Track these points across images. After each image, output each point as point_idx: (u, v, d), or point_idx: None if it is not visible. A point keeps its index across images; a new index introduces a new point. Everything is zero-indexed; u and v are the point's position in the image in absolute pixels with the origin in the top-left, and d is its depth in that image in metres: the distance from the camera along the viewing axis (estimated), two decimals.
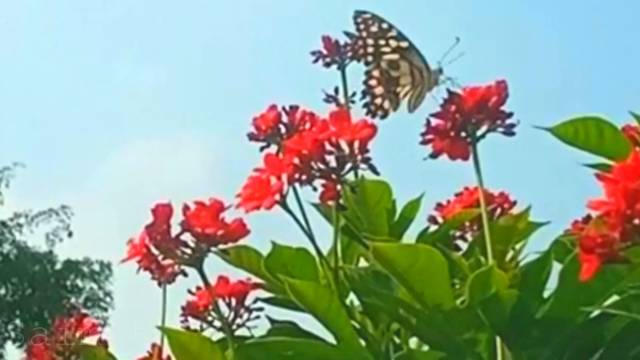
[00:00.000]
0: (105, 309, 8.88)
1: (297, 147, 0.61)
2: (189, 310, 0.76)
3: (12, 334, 8.54)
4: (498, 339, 0.61)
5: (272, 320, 0.75)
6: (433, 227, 0.82)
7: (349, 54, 0.89)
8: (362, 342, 0.67)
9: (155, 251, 0.64)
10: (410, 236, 0.80)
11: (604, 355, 0.62)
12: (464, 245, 0.82)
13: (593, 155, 0.71)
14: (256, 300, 0.74)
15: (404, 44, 0.72)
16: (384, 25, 0.73)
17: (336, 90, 0.90)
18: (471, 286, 0.59)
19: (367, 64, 0.74)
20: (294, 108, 0.77)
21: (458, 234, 0.82)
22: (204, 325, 0.75)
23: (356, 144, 0.62)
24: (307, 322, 0.69)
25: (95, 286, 8.89)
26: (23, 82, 11.47)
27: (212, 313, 0.74)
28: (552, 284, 0.61)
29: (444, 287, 0.60)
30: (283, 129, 0.77)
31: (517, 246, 0.75)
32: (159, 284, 0.82)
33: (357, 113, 0.72)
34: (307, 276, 0.71)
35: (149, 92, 11.37)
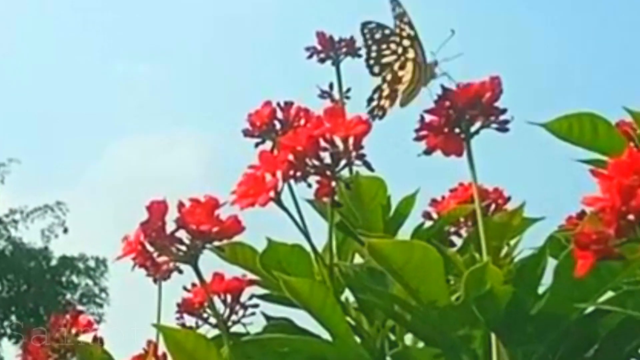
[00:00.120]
0: (101, 305, 8.88)
1: (291, 143, 0.61)
2: (185, 307, 0.76)
3: (8, 331, 8.53)
4: (493, 335, 0.61)
5: (267, 317, 0.75)
6: (428, 223, 0.81)
7: (344, 49, 0.89)
8: (357, 339, 0.67)
9: (150, 248, 0.64)
10: (405, 232, 0.80)
11: (599, 351, 0.62)
12: (458, 241, 0.82)
13: (587, 150, 0.71)
14: (251, 296, 0.74)
15: (412, 33, 0.72)
16: (400, 10, 0.72)
17: (331, 86, 0.90)
18: (466, 283, 0.59)
19: (371, 68, 0.74)
20: (288, 104, 0.77)
21: (453, 229, 0.82)
22: (200, 322, 0.75)
23: (351, 141, 0.61)
24: (302, 318, 0.69)
25: (90, 282, 8.89)
26: (18, 77, 11.46)
27: (208, 310, 0.74)
28: (547, 279, 0.61)
29: (439, 284, 0.60)
30: (278, 125, 0.77)
31: (512, 242, 0.75)
32: (154, 281, 0.83)
33: (352, 109, 0.72)
34: (302, 273, 0.71)
35: (145, 88, 11.37)
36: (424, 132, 0.61)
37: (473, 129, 0.61)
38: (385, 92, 0.71)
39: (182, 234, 0.63)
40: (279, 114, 0.77)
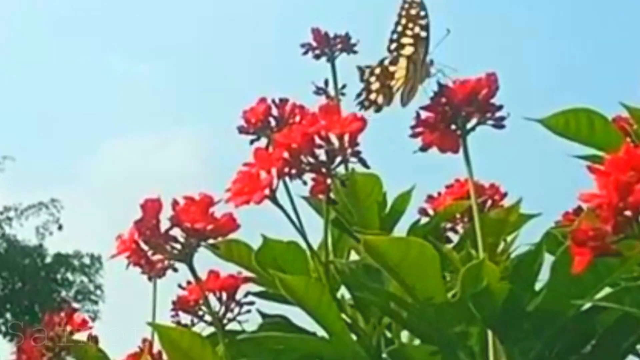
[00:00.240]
0: (96, 302, 8.87)
1: (286, 141, 0.61)
2: (180, 304, 0.76)
3: (3, 328, 8.52)
4: (490, 332, 0.61)
5: (263, 315, 0.74)
6: (424, 220, 0.81)
7: (339, 46, 0.89)
8: (354, 337, 0.67)
9: (144, 247, 0.63)
10: (401, 229, 0.80)
11: (596, 348, 0.62)
12: (455, 237, 0.81)
13: (584, 146, 0.71)
14: (247, 294, 0.74)
15: (424, 34, 0.70)
16: (421, 13, 0.71)
17: (326, 82, 0.89)
18: (462, 279, 0.59)
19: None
20: (283, 101, 0.77)
21: (449, 226, 0.82)
22: (195, 320, 0.75)
23: (346, 138, 0.61)
24: (299, 315, 0.69)
25: (85, 279, 8.88)
26: (15, 75, 11.44)
27: (203, 308, 0.74)
28: (543, 275, 0.61)
29: (435, 281, 0.60)
30: (273, 122, 0.77)
31: (509, 238, 0.75)
32: (149, 279, 0.82)
33: (348, 105, 0.72)
34: (298, 270, 0.71)
35: (143, 87, 11.36)
36: (420, 129, 0.61)
37: (469, 125, 0.60)
38: (375, 86, 0.71)
39: (176, 232, 0.63)
40: (274, 111, 0.77)
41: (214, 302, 0.71)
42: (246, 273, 0.76)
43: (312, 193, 0.63)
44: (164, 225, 0.63)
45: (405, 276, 0.60)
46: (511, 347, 0.60)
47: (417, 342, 0.67)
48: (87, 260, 8.90)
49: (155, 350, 0.78)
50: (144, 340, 0.81)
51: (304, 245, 0.68)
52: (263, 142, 0.77)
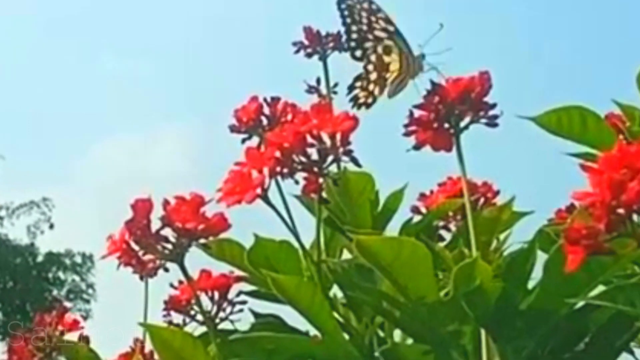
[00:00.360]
0: (88, 301, 8.86)
1: (278, 140, 0.61)
2: (172, 304, 0.75)
3: None
4: (482, 331, 0.60)
5: (255, 314, 0.74)
6: (417, 218, 0.81)
7: (331, 44, 0.88)
8: (346, 336, 0.67)
9: (135, 247, 0.63)
10: (393, 227, 0.80)
11: (589, 346, 0.62)
12: (447, 235, 0.81)
13: (576, 144, 0.71)
14: (239, 293, 0.73)
15: (391, 28, 0.71)
16: (373, 7, 0.71)
17: (318, 81, 0.89)
18: (455, 278, 0.59)
19: (353, 51, 0.72)
20: (275, 99, 0.77)
21: (441, 224, 0.82)
22: (187, 320, 0.75)
23: (338, 137, 0.61)
24: (291, 314, 0.68)
25: (77, 278, 8.86)
26: (4, 74, 11.39)
27: (195, 307, 0.73)
28: (536, 273, 0.61)
29: (427, 280, 0.60)
30: (265, 121, 0.77)
31: (502, 236, 0.75)
32: (141, 278, 0.82)
33: (340, 104, 0.72)
34: (290, 269, 0.71)
35: (132, 85, 11.33)
36: (413, 128, 0.60)
37: (462, 124, 0.60)
38: (373, 77, 0.70)
39: (167, 232, 0.62)
40: (266, 110, 0.77)
41: (206, 302, 0.71)
42: (238, 272, 0.75)
43: (304, 192, 0.62)
44: (155, 225, 0.63)
45: (398, 275, 0.60)
46: (504, 346, 0.60)
47: (409, 341, 0.67)
48: (78, 259, 8.89)
49: (147, 350, 0.78)
50: (136, 340, 0.81)
51: (296, 244, 0.68)
52: (255, 141, 0.77)
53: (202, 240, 0.63)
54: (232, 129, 0.77)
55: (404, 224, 0.79)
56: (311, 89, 0.88)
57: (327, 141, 0.61)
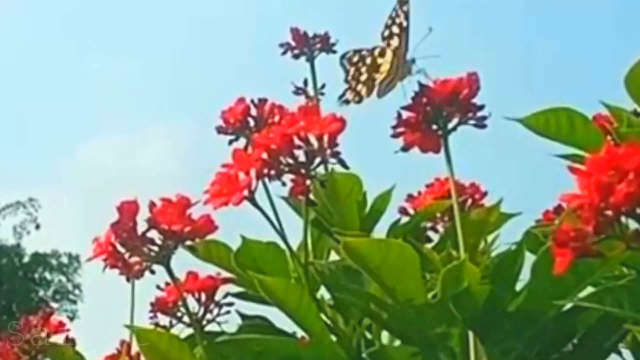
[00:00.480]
0: (74, 302, 8.84)
1: (265, 142, 0.60)
2: (158, 306, 0.75)
3: None
4: (470, 333, 0.60)
5: (242, 316, 0.74)
6: (404, 219, 0.81)
7: (318, 45, 0.88)
8: (334, 338, 0.67)
9: (121, 249, 0.63)
10: (381, 228, 0.80)
11: (577, 348, 0.62)
12: (435, 237, 0.81)
13: (564, 145, 0.71)
14: (226, 295, 0.73)
15: (405, 23, 0.70)
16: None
17: (305, 82, 0.89)
18: (443, 280, 0.58)
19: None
20: (262, 101, 0.76)
21: (429, 225, 0.82)
22: (174, 321, 0.74)
23: (325, 138, 0.61)
24: (278, 316, 0.68)
25: (63, 279, 8.84)
26: None
27: (182, 309, 0.73)
28: (524, 275, 0.61)
29: (415, 282, 0.60)
30: (252, 122, 0.76)
31: (489, 238, 0.75)
32: (127, 280, 0.81)
33: (327, 105, 0.71)
34: (277, 271, 0.71)
35: (119, 85, 11.31)
36: (401, 129, 0.60)
37: (450, 125, 0.60)
38: (363, 77, 0.70)
39: (154, 234, 0.62)
40: (253, 111, 0.76)
41: (193, 304, 0.71)
42: (225, 274, 0.75)
43: (291, 194, 0.62)
44: (141, 227, 0.62)
45: (386, 278, 0.59)
46: (492, 348, 0.60)
47: (397, 343, 0.67)
48: (65, 260, 8.87)
49: (133, 352, 0.78)
50: (122, 342, 0.80)
51: (283, 246, 0.68)
52: (242, 142, 0.76)
53: (188, 242, 0.63)
54: (219, 130, 0.76)
55: (391, 226, 0.79)
56: (298, 91, 0.88)
57: (315, 143, 0.61)
